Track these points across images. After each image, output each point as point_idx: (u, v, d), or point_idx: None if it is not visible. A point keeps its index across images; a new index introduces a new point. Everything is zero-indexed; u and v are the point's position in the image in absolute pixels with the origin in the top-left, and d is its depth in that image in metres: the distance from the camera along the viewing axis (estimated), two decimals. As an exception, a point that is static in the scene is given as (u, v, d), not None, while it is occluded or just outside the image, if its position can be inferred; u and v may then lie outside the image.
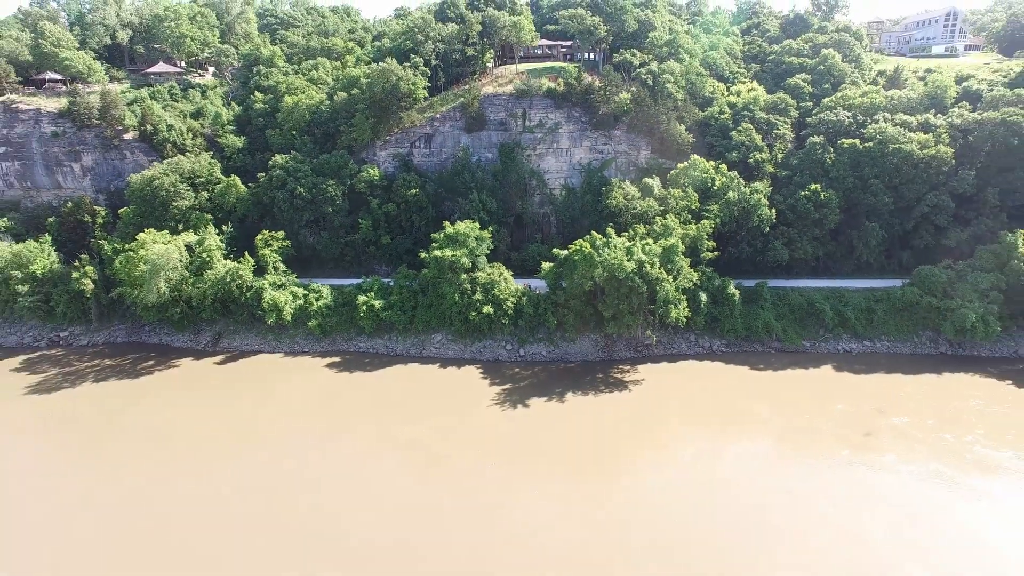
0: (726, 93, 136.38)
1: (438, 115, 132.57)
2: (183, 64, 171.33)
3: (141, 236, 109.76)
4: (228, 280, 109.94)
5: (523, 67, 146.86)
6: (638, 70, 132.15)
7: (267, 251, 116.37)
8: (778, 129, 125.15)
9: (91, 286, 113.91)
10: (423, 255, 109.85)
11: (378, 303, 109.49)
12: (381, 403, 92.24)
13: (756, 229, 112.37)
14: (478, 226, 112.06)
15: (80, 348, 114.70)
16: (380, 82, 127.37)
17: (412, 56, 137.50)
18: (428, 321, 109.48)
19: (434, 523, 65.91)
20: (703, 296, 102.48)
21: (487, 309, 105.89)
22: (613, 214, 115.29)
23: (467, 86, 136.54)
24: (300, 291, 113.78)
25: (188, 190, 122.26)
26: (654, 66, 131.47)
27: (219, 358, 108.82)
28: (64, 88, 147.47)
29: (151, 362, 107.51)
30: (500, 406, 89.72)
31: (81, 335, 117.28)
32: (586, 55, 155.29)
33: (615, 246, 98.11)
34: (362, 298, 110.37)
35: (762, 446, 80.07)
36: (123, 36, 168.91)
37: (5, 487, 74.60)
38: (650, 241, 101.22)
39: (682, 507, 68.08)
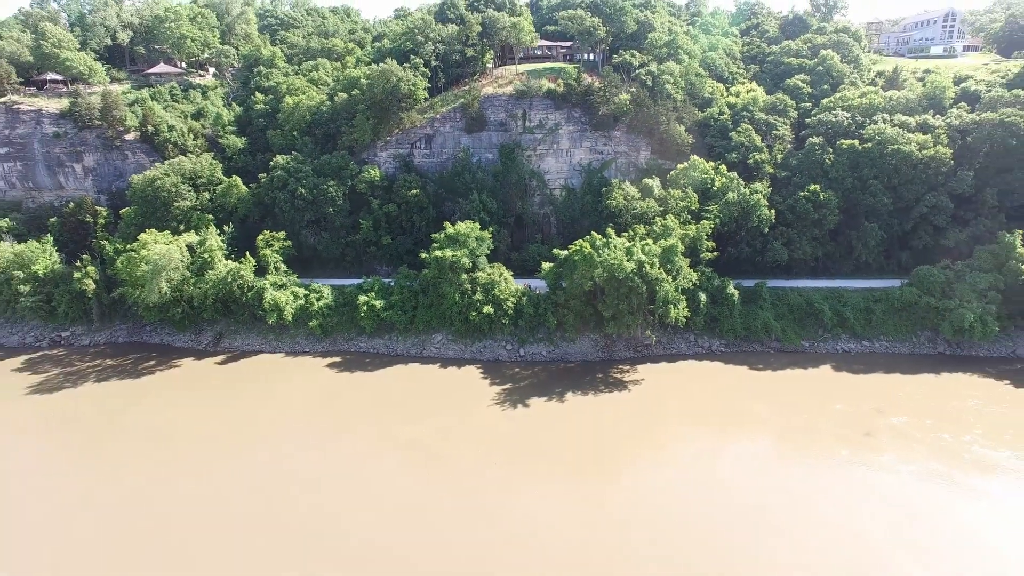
0: (725, 94, 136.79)
1: (438, 116, 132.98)
2: (183, 65, 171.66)
3: (143, 236, 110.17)
4: (229, 280, 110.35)
5: (523, 68, 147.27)
6: (638, 71, 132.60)
7: (268, 251, 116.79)
8: (777, 130, 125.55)
9: (92, 286, 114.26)
10: (424, 255, 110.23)
11: (379, 303, 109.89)
12: (382, 403, 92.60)
13: (755, 229, 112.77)
14: (478, 226, 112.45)
15: (82, 348, 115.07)
16: (380, 83, 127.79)
17: (412, 57, 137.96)
18: (428, 321, 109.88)
19: (434, 523, 66.13)
20: (702, 296, 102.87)
21: (487, 309, 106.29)
22: (613, 215, 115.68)
23: (467, 87, 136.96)
24: (301, 291, 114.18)
25: (189, 191, 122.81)
26: (653, 67, 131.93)
27: (220, 358, 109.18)
28: (65, 89, 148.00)
29: (152, 362, 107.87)
30: (500, 406, 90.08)
31: (83, 335, 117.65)
32: (586, 56, 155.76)
33: (615, 246, 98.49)
34: (363, 298, 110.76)
35: (761, 446, 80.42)
36: (124, 37, 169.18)
37: (7, 487, 74.86)
38: (650, 241, 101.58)
39: (682, 507, 68.33)
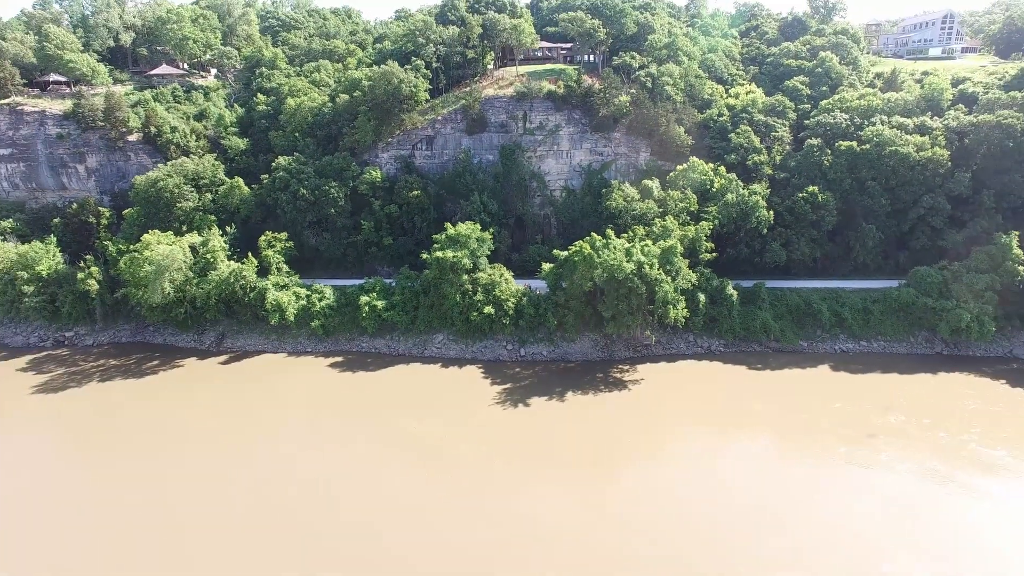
0: (725, 95, 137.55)
1: (439, 117, 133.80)
2: (186, 66, 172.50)
3: (146, 237, 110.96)
4: (232, 281, 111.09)
5: (523, 69, 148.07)
6: (637, 73, 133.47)
7: (270, 252, 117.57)
8: (776, 131, 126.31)
9: (96, 287, 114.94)
10: (425, 256, 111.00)
11: (380, 303, 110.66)
12: (383, 402, 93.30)
13: (754, 230, 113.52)
14: (479, 227, 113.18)
15: (85, 348, 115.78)
16: (382, 84, 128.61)
17: (413, 59, 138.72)
18: (430, 321, 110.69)
19: (435, 523, 66.59)
20: (701, 297, 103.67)
21: (488, 309, 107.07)
22: (613, 216, 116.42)
23: (468, 88, 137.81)
24: (303, 292, 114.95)
25: (192, 192, 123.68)
26: (653, 69, 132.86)
27: (223, 358, 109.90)
28: (68, 90, 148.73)
29: (155, 362, 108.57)
30: (501, 405, 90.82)
31: (86, 335, 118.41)
32: (586, 57, 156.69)
33: (615, 247, 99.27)
34: (364, 299, 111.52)
35: (761, 445, 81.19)
36: (126, 38, 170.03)
37: (9, 487, 75.40)
38: (649, 242, 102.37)
39: (682, 507, 68.88)
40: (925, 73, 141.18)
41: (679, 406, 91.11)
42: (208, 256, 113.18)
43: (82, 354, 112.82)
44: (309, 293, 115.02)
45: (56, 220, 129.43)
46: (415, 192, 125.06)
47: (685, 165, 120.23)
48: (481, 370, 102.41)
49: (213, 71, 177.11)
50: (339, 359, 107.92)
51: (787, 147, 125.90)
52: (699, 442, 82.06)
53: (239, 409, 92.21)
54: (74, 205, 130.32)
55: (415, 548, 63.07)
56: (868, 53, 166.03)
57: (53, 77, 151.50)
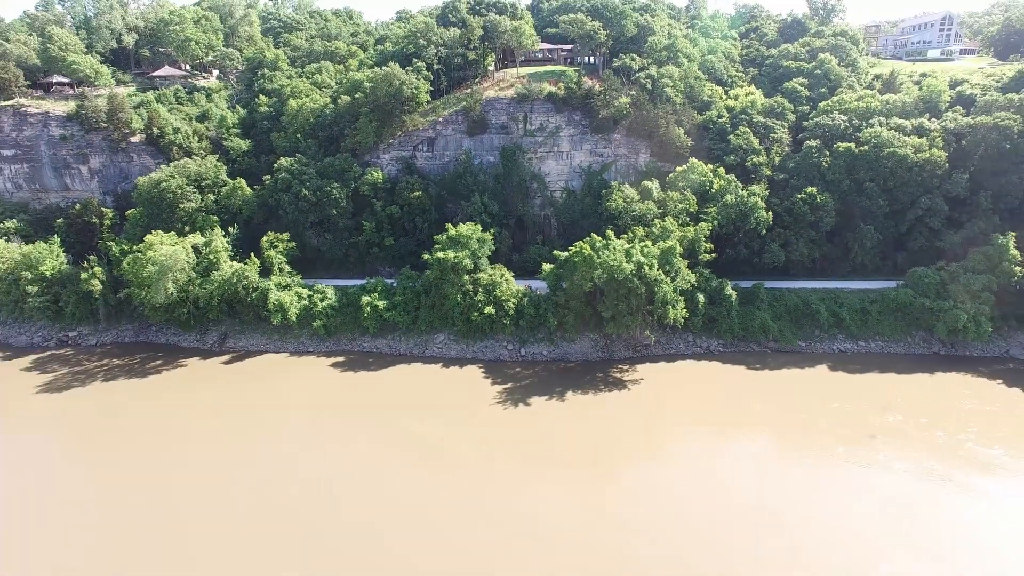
0: (724, 97, 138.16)
1: (440, 119, 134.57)
2: (188, 67, 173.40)
3: (149, 238, 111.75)
4: (234, 281, 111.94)
5: (524, 71, 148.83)
6: (637, 74, 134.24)
7: (272, 252, 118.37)
8: (775, 133, 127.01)
9: (99, 287, 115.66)
10: (426, 257, 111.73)
11: (382, 304, 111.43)
12: (384, 402, 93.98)
13: (753, 231, 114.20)
14: (480, 228, 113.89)
15: (89, 348, 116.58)
16: (383, 86, 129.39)
17: (414, 60, 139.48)
18: (431, 321, 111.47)
19: (435, 522, 67.00)
20: (701, 297, 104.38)
21: (489, 310, 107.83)
22: (613, 216, 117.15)
23: (469, 90, 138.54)
24: (305, 292, 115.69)
25: (194, 192, 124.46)
26: (653, 70, 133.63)
27: (225, 358, 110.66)
28: (71, 91, 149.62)
29: (158, 362, 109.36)
30: (502, 405, 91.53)
31: (89, 335, 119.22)
32: (586, 59, 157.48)
33: (614, 248, 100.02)
34: (366, 299, 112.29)
35: (760, 445, 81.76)
36: (129, 40, 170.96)
37: (13, 486, 76.00)
38: (649, 243, 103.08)
39: (681, 506, 69.31)
40: (923, 75, 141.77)
41: (678, 406, 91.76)
42: (211, 257, 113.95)
43: (85, 354, 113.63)
44: (311, 293, 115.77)
45: (59, 221, 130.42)
46: (416, 193, 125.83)
47: (684, 166, 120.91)
48: (482, 370, 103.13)
49: (215, 72, 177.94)
50: (341, 359, 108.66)
51: (786, 148, 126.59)
52: (698, 442, 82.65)
53: (241, 409, 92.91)
54: (77, 206, 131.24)
55: (416, 548, 63.48)
56: (867, 54, 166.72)
57: (56, 78, 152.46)
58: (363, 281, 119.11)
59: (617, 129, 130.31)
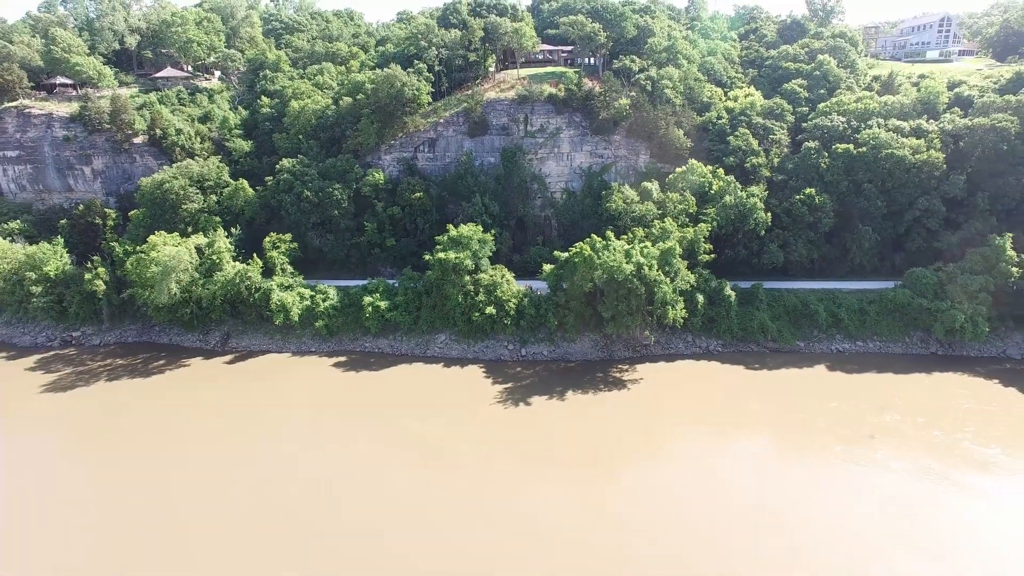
0: (724, 98, 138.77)
1: (441, 120, 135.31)
2: (190, 69, 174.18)
3: (152, 238, 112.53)
4: (237, 281, 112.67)
5: (524, 72, 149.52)
6: (637, 76, 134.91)
7: (275, 253, 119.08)
8: (774, 134, 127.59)
9: (103, 287, 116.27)
10: (427, 257, 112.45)
11: (383, 304, 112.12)
12: (385, 402, 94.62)
13: (752, 232, 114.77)
14: (481, 229, 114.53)
15: (92, 348, 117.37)
16: (385, 87, 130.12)
17: (416, 62, 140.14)
18: (432, 322, 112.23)
19: (435, 522, 67.32)
20: (700, 297, 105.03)
21: (490, 310, 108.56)
22: (613, 217, 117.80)
23: (470, 91, 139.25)
24: (307, 292, 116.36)
25: (197, 193, 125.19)
26: (653, 72, 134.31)
27: (228, 358, 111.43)
28: (74, 93, 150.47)
29: (162, 361, 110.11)
30: (502, 404, 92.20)
31: (93, 335, 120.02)
32: (586, 60, 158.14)
33: (614, 249, 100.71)
34: (368, 299, 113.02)
35: (760, 445, 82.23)
36: (131, 41, 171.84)
37: (14, 486, 76.49)
38: (648, 244, 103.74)
39: (681, 506, 69.66)
40: (922, 76, 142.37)
41: (678, 406, 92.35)
42: (214, 257, 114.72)
43: (89, 354, 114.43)
44: (313, 294, 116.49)
45: (63, 221, 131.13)
46: (417, 194, 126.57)
47: (684, 167, 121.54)
48: (483, 370, 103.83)
49: (217, 73, 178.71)
50: (343, 359, 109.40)
51: (785, 150, 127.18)
52: (698, 442, 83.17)
53: (243, 409, 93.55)
54: (80, 206, 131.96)
55: (416, 548, 63.73)
56: (866, 55, 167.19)
57: (59, 80, 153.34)
58: (365, 282, 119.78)
59: (617, 130, 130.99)
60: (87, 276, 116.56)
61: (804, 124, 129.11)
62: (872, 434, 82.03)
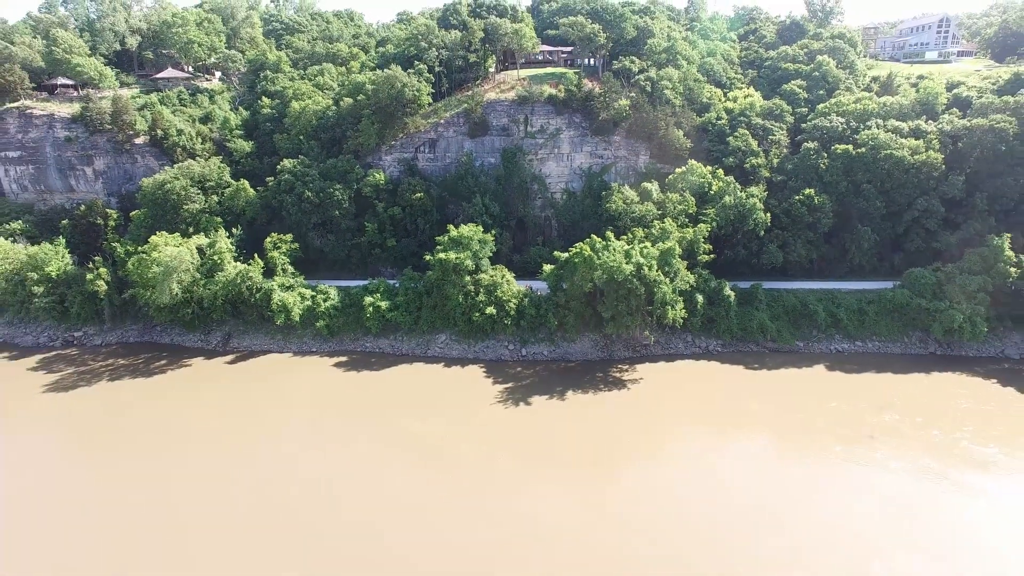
0: (723, 99, 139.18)
1: (442, 121, 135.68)
2: (191, 69, 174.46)
3: (154, 239, 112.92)
4: (238, 282, 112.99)
5: (524, 73, 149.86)
6: (637, 77, 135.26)
7: (276, 253, 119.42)
8: (774, 135, 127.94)
9: (104, 287, 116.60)
10: (428, 257, 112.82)
11: (384, 304, 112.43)
12: (386, 402, 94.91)
13: (751, 232, 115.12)
14: (481, 229, 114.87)
15: (94, 348, 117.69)
16: (385, 88, 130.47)
17: (416, 62, 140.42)
18: (433, 322, 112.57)
19: (435, 522, 67.55)
20: (699, 297, 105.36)
21: (490, 310, 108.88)
22: (612, 218, 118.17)
23: (470, 92, 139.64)
24: (308, 292, 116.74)
25: (198, 194, 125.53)
26: (653, 73, 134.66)
27: (229, 358, 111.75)
28: (76, 93, 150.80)
29: (163, 362, 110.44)
30: (503, 404, 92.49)
31: (95, 335, 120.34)
32: (586, 61, 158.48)
33: (614, 249, 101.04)
34: (369, 299, 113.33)
35: (759, 445, 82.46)
36: (132, 42, 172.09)
37: (15, 486, 76.70)
38: (648, 244, 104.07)
39: (681, 506, 69.87)
40: (921, 77, 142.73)
41: (678, 406, 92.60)
42: (215, 257, 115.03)
43: (91, 354, 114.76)
44: (314, 294, 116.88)
45: (64, 222, 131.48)
46: (418, 194, 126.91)
47: (684, 168, 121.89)
48: (483, 370, 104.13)
49: (218, 74, 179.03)
50: (343, 359, 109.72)
51: (784, 150, 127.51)
52: (698, 442, 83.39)
53: (244, 409, 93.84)
54: (82, 207, 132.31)
55: (416, 548, 63.90)
56: (865, 56, 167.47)
57: (61, 81, 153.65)
58: (365, 282, 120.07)
59: (617, 131, 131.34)
60: (89, 276, 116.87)
61: (803, 125, 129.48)
62: (871, 434, 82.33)
